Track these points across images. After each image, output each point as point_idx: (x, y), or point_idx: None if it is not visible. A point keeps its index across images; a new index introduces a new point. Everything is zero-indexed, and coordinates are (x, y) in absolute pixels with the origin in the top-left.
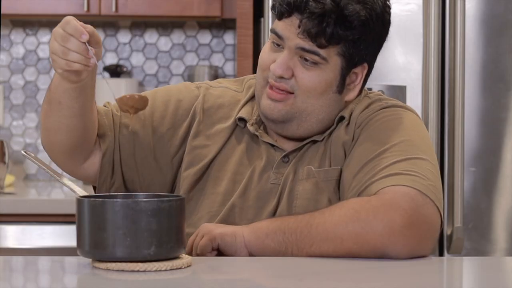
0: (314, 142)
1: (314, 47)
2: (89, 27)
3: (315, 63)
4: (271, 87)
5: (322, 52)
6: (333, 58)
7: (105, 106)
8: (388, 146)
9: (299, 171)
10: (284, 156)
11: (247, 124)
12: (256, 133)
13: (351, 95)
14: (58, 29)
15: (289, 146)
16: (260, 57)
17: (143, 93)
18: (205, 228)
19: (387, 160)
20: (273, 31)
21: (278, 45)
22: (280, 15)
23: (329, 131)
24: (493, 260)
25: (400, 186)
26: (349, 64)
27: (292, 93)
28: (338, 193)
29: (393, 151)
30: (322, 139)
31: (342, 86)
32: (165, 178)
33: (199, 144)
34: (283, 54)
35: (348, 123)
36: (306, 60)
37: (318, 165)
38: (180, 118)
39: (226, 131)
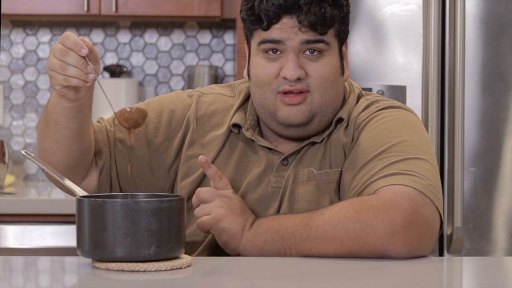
0: (313, 144)
1: (317, 36)
2: (89, 42)
3: (320, 53)
4: (286, 93)
5: (325, 38)
6: (333, 42)
7: (98, 122)
8: (387, 146)
9: (299, 174)
10: (284, 159)
11: (242, 129)
12: (252, 138)
13: (347, 73)
14: (57, 44)
15: (287, 148)
16: (255, 74)
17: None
18: (218, 212)
19: (386, 161)
20: (265, 41)
21: (275, 52)
22: (269, 22)
23: (328, 131)
24: (493, 260)
25: (400, 185)
26: (341, 42)
27: (308, 91)
28: (338, 194)
29: (391, 152)
30: (321, 141)
31: (342, 67)
32: (163, 189)
33: (194, 153)
34: (290, 57)
35: (347, 125)
36: (311, 53)
37: (319, 167)
38: (174, 129)
39: (220, 138)
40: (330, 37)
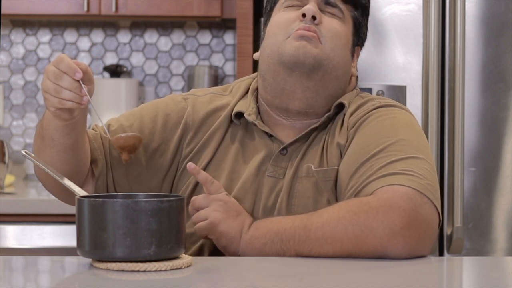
0: (312, 135)
1: (336, 0)
2: (83, 64)
3: (336, 16)
4: (300, 30)
5: (342, 6)
6: (348, 19)
7: (93, 129)
8: (384, 146)
9: (299, 169)
10: (283, 149)
11: (245, 115)
12: (255, 122)
13: (353, 71)
14: (51, 67)
15: (286, 137)
16: (274, 21)
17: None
18: (215, 217)
19: (383, 160)
20: None
21: (294, 6)
22: None
23: (326, 115)
24: (493, 260)
25: (398, 185)
26: (356, 35)
27: (320, 41)
28: (336, 193)
29: (389, 151)
30: (320, 128)
31: (353, 51)
32: (160, 192)
33: (195, 157)
34: (311, 3)
35: (342, 125)
36: (328, 12)
37: (318, 164)
38: (170, 132)
39: (220, 131)
40: (346, 11)
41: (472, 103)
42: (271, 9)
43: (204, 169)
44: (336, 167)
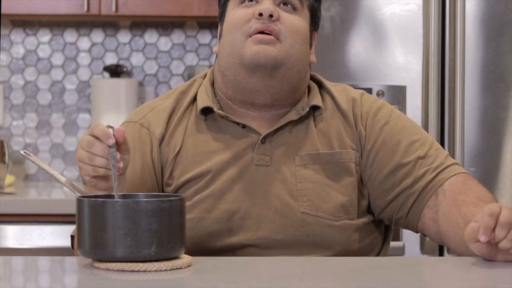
0: (290, 124)
1: None
2: (122, 134)
3: (294, 9)
4: (258, 33)
5: None
6: (305, 10)
7: None
8: (429, 141)
9: (290, 157)
10: (263, 138)
11: (214, 109)
12: (227, 114)
13: (313, 57)
14: (85, 136)
15: (258, 126)
16: (231, 19)
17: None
18: None
19: (441, 152)
20: None
21: (252, 1)
22: None
23: (300, 106)
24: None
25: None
26: (312, 23)
27: (279, 39)
28: (351, 176)
29: (434, 145)
30: (300, 120)
31: (310, 41)
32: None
33: (185, 178)
34: (266, 1)
35: (341, 113)
36: (285, 5)
37: (318, 148)
38: (152, 164)
39: (181, 128)
40: (303, 3)
41: (472, 103)
42: (223, 11)
43: (175, 159)
44: (354, 151)
